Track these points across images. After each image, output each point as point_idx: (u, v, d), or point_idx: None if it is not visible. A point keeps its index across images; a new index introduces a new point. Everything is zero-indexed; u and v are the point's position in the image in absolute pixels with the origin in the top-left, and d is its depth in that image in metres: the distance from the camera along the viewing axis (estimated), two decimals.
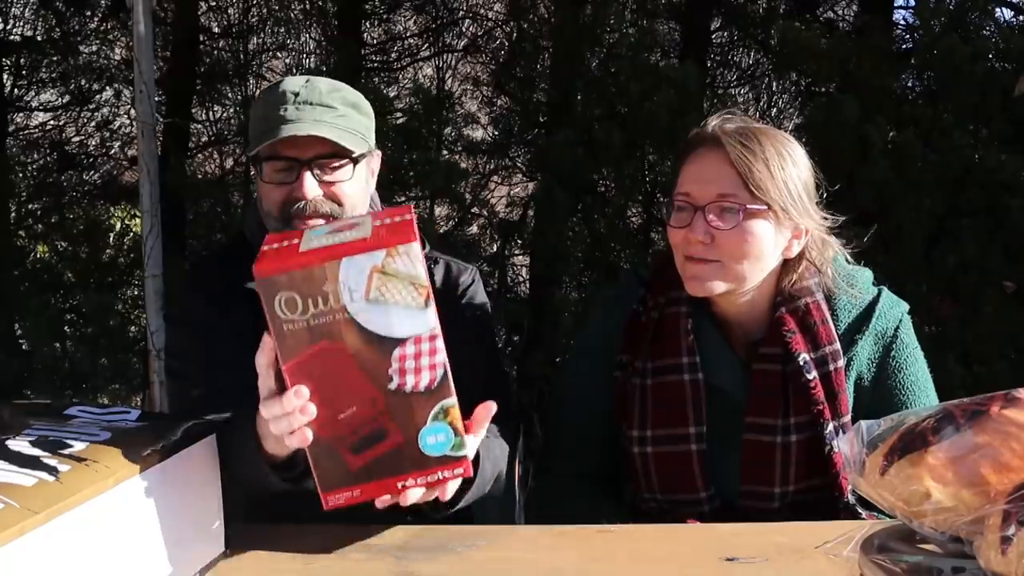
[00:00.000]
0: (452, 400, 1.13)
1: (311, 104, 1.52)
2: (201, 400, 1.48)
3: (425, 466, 1.16)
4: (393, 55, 5.53)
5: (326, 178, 1.53)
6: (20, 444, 1.08)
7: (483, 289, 1.72)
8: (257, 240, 1.59)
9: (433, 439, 1.14)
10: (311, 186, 1.52)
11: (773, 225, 1.49)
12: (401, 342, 1.11)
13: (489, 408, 1.24)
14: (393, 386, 1.13)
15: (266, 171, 1.54)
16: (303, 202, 1.52)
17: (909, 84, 4.08)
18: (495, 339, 1.80)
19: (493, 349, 1.77)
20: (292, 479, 1.29)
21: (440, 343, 1.12)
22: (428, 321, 1.11)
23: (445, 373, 1.12)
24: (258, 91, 5.19)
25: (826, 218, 1.55)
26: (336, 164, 1.54)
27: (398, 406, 1.14)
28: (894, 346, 1.59)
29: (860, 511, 1.50)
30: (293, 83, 1.55)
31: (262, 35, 5.53)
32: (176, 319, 1.65)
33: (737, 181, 1.46)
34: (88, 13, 5.17)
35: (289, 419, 1.13)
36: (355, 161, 1.55)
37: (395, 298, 1.10)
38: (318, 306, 1.10)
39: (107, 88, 5.37)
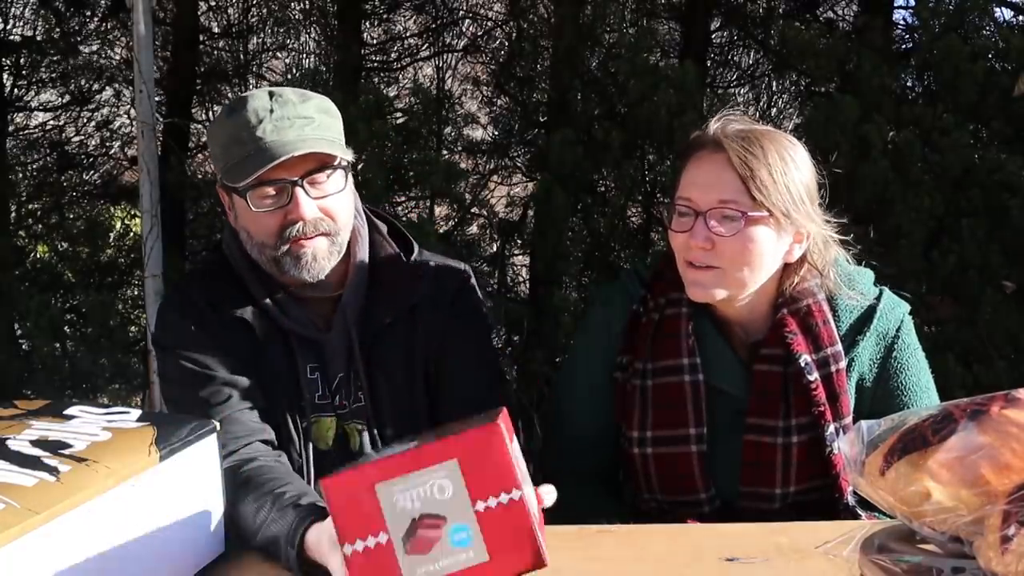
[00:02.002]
0: None
1: (289, 119, 1.42)
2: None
3: None
4: (393, 55, 5.51)
5: (316, 194, 1.45)
6: (20, 444, 1.08)
7: (477, 288, 1.64)
8: (240, 265, 1.53)
9: None
10: (308, 206, 1.44)
11: (775, 230, 1.48)
12: None
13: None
14: None
15: (253, 200, 1.43)
16: (301, 223, 1.44)
17: (909, 84, 4.07)
18: (492, 340, 1.71)
19: (490, 352, 1.69)
20: None
21: None
22: None
23: None
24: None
25: (828, 221, 1.55)
26: (326, 178, 1.46)
27: None
28: (896, 347, 1.59)
29: (860, 512, 1.50)
30: (259, 100, 1.44)
31: (262, 35, 5.52)
32: (165, 345, 1.55)
33: (739, 187, 1.46)
34: (88, 13, 5.16)
35: None
36: (344, 169, 1.49)
37: None
38: None
39: (107, 88, 5.36)
